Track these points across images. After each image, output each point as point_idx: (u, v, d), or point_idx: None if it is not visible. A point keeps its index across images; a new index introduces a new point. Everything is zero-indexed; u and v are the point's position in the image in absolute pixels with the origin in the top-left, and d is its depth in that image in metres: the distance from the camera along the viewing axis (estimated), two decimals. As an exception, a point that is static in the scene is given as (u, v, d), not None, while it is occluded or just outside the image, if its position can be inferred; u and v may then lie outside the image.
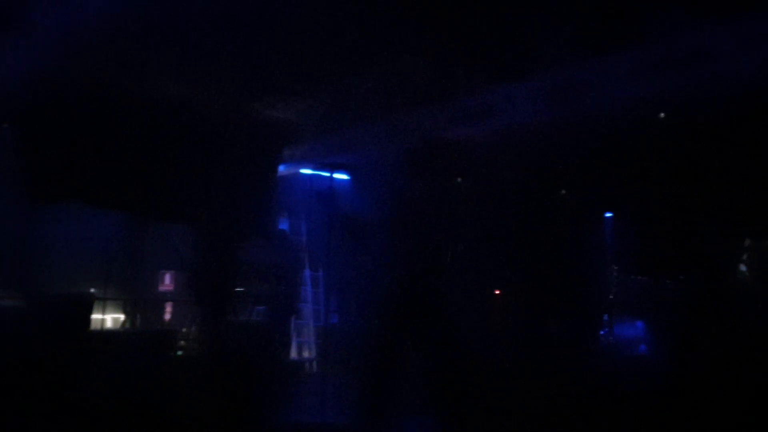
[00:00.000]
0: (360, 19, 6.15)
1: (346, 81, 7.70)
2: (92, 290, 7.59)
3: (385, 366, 3.57)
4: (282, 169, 9.17)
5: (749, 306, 6.27)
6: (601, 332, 7.08)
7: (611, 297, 6.95)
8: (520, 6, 6.05)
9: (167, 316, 9.04)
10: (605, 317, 7.09)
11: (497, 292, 7.82)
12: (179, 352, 7.29)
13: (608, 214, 7.63)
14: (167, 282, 9.27)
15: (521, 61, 6.62)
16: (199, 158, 7.81)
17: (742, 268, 6.41)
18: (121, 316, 8.34)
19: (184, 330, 7.86)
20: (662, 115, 6.65)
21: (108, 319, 8.26)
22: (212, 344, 6.98)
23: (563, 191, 7.54)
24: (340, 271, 7.90)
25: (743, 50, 5.03)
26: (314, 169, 9.21)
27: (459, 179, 7.45)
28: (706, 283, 6.25)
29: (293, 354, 8.27)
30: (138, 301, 8.43)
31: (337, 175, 9.01)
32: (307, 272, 9.01)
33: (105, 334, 7.51)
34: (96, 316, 7.36)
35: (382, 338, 3.66)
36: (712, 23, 5.16)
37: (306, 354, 8.51)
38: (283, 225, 9.10)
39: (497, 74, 6.92)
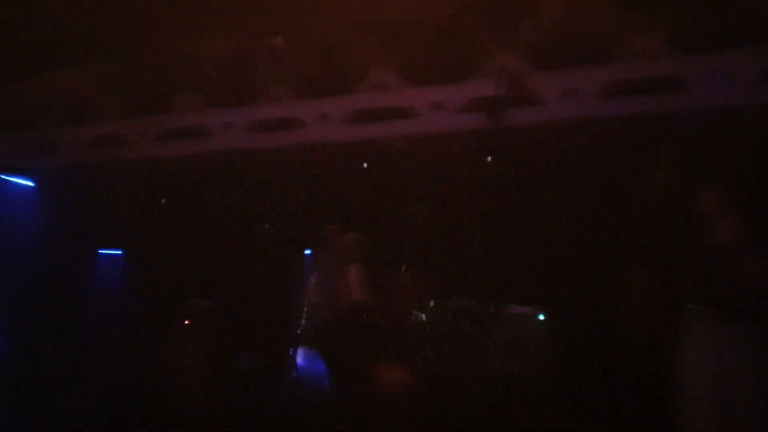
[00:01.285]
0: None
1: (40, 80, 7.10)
2: None
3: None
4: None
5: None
6: (287, 366, 7.18)
7: (298, 331, 7.10)
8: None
9: None
10: (290, 351, 7.22)
11: (187, 322, 7.59)
12: None
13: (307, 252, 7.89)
14: None
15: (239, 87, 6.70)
16: None
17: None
18: None
19: None
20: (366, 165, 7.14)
21: None
22: None
23: (265, 225, 7.65)
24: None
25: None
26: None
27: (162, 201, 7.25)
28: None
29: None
30: None
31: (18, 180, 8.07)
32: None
33: None
34: None
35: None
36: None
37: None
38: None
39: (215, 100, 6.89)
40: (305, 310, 7.19)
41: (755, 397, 3.50)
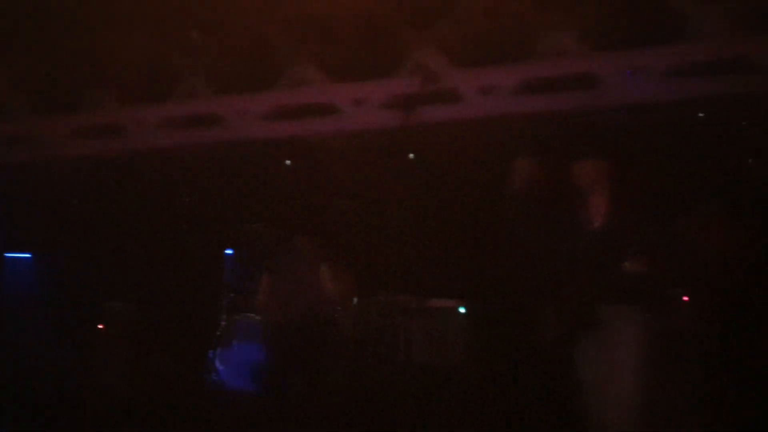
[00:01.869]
0: None
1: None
2: None
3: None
4: None
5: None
6: (206, 369, 7.01)
7: (218, 333, 6.94)
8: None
9: None
10: (210, 354, 7.04)
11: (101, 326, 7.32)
12: None
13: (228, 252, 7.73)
14: None
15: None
16: None
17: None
18: None
19: None
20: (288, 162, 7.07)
21: None
22: None
23: (184, 225, 7.46)
24: None
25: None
26: None
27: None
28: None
29: None
30: None
31: None
32: None
33: None
34: None
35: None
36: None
37: None
38: None
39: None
40: (225, 312, 7.07)
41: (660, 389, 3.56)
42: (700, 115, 5.67)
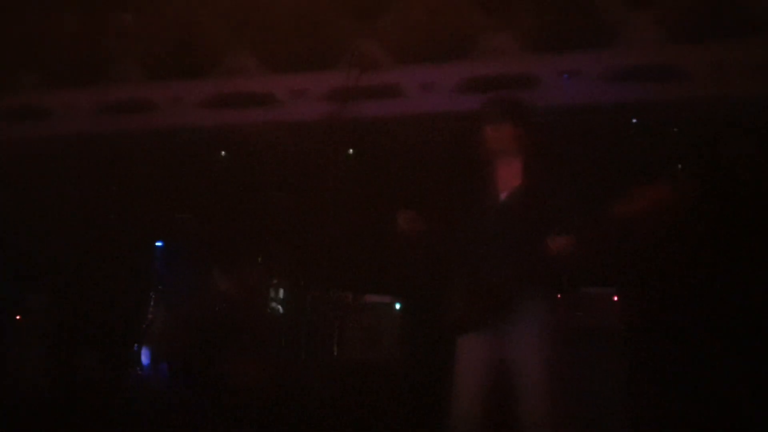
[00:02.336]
0: None
1: None
2: None
3: None
4: None
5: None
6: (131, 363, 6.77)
7: (144, 327, 6.71)
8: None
9: None
10: (135, 347, 6.80)
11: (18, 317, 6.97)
12: None
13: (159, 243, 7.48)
14: None
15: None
16: None
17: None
18: None
19: None
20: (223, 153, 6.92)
21: None
22: None
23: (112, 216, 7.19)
24: None
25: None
26: None
27: None
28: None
29: None
30: None
31: None
32: None
33: None
34: None
35: None
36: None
37: None
38: None
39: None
40: (152, 305, 6.85)
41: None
42: (634, 120, 5.82)
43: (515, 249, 3.02)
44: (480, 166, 3.30)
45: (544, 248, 2.95)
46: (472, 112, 5.57)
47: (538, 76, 5.49)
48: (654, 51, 5.28)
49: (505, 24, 5.58)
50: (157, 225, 6.81)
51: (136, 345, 6.62)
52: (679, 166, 5.70)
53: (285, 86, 5.95)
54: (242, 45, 6.05)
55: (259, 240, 6.33)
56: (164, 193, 6.55)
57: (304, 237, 6.32)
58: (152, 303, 6.66)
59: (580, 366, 4.23)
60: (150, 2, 6.04)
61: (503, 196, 3.21)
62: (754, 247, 4.92)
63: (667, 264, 5.03)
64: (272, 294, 6.57)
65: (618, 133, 5.69)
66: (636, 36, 5.33)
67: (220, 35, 6.06)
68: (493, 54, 5.64)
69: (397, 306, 5.89)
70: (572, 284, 3.96)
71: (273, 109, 5.98)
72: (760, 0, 5.10)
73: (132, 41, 6.20)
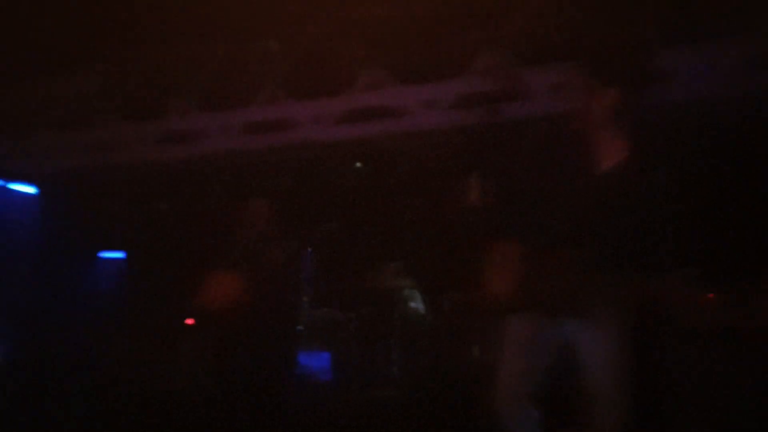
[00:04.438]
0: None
1: (40, 84, 7.23)
2: None
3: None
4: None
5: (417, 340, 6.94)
6: (289, 363, 7.27)
7: (300, 328, 7.20)
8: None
9: None
10: (292, 348, 7.30)
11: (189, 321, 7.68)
12: None
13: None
14: None
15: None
16: None
17: (412, 304, 7.10)
18: None
19: None
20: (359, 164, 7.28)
21: None
22: None
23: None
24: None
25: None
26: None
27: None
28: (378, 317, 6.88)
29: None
30: None
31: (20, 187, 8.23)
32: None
33: None
34: None
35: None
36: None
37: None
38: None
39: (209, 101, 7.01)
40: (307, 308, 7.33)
41: None
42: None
43: (608, 230, 2.73)
44: (577, 138, 3.00)
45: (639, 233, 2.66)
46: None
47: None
48: None
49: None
50: (302, 234, 7.28)
51: (295, 348, 7.11)
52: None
53: (415, 97, 6.15)
54: (374, 60, 6.31)
55: (397, 245, 6.64)
56: (308, 204, 6.99)
57: (440, 242, 6.55)
58: (307, 306, 7.14)
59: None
60: (288, 27, 6.44)
61: (602, 171, 2.89)
62: None
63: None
64: (412, 297, 6.86)
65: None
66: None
67: (354, 53, 6.35)
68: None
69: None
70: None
71: (404, 119, 6.21)
72: None
73: (274, 65, 6.64)
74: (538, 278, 2.84)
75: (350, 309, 7.22)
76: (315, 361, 7.26)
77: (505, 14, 5.74)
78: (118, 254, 8.61)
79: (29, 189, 8.38)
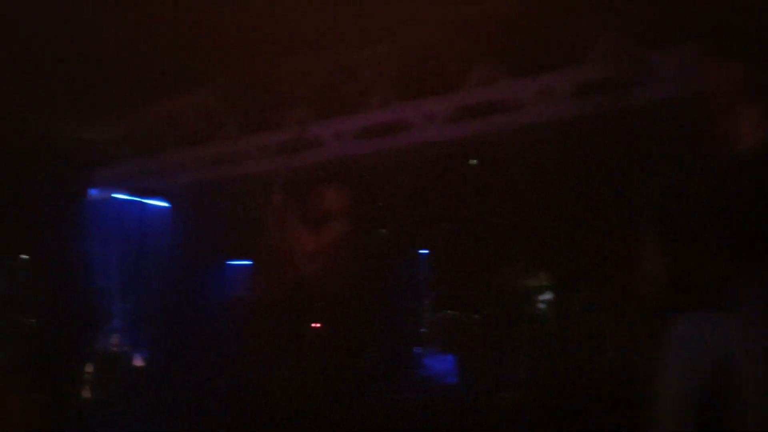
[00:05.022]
0: (175, 37, 6.13)
1: (166, 103, 7.59)
2: None
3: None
4: (93, 193, 8.69)
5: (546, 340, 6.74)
6: (413, 366, 7.29)
7: (423, 330, 7.20)
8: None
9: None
10: (416, 351, 7.31)
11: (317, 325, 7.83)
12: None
13: (423, 252, 7.97)
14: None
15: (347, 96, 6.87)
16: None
17: (540, 304, 6.90)
18: None
19: None
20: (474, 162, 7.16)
21: None
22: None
23: (383, 230, 7.79)
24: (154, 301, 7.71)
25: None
26: (130, 194, 8.85)
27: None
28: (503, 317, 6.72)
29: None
30: None
31: (154, 202, 8.73)
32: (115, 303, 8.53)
33: None
34: None
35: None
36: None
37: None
38: (91, 252, 8.56)
39: (324, 108, 7.11)
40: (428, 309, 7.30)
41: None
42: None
43: (746, 218, 2.49)
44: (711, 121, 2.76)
45: None
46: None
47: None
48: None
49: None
50: (421, 234, 7.27)
51: (416, 347, 7.12)
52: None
53: (528, 89, 5.96)
54: (486, 55, 6.17)
55: (520, 244, 6.46)
56: (424, 205, 6.95)
57: (566, 239, 6.31)
58: (428, 308, 7.13)
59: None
60: (397, 29, 6.41)
61: (738, 152, 2.66)
62: None
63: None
64: (539, 295, 6.67)
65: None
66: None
67: (465, 49, 6.23)
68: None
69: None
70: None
71: (518, 113, 6.02)
72: None
73: (385, 68, 6.63)
74: (683, 273, 2.65)
75: (474, 311, 7.12)
76: (440, 363, 7.22)
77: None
78: (245, 262, 8.94)
79: (162, 203, 8.87)
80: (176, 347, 7.60)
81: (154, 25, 5.92)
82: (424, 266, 7.74)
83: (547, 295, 6.67)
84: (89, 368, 7.25)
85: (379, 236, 7.65)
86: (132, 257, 8.55)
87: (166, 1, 5.63)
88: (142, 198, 8.60)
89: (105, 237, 8.81)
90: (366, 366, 7.07)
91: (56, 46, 6.04)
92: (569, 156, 5.99)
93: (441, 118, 6.43)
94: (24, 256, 8.10)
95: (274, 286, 8.21)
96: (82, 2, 5.57)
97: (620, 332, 5.69)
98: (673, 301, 2.71)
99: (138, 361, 7.87)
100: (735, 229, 2.52)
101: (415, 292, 7.55)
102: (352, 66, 6.79)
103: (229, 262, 9.00)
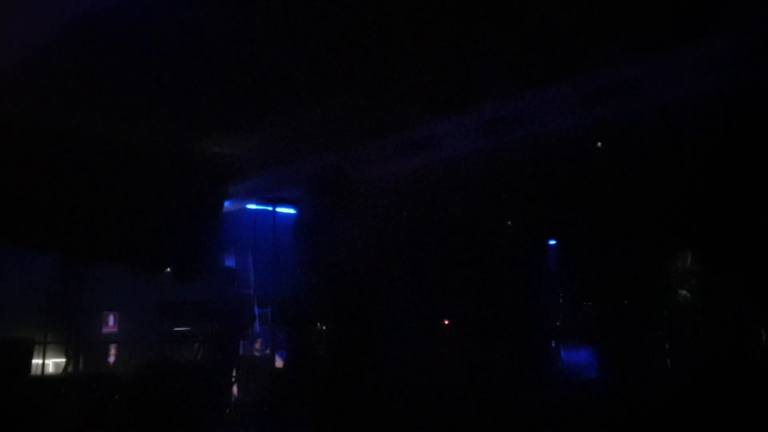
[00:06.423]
0: (304, 53, 6.24)
1: (292, 115, 7.79)
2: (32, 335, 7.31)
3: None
4: (227, 204, 9.11)
5: (691, 330, 6.40)
6: (550, 359, 7.13)
7: (558, 324, 7.02)
8: (461, 40, 6.20)
9: (112, 359, 8.80)
10: (552, 344, 7.14)
11: (446, 321, 7.84)
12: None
13: (552, 242, 7.76)
14: (111, 323, 9.03)
15: (462, 93, 6.77)
16: (143, 196, 7.73)
17: (683, 292, 6.55)
18: (63, 360, 8.07)
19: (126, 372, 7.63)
20: (599, 144, 6.87)
21: (50, 363, 8.00)
22: (150, 385, 6.78)
23: (508, 222, 7.66)
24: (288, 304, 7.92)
25: (669, 80, 5.27)
26: (261, 204, 9.20)
27: (404, 213, 7.58)
28: (642, 308, 6.41)
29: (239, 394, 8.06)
30: (80, 344, 8.18)
31: (284, 210, 9.03)
32: (255, 309, 8.88)
33: (46, 379, 7.23)
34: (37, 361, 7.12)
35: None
36: (639, 56, 5.42)
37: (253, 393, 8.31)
38: (230, 262, 9.00)
39: (440, 107, 7.07)
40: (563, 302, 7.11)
41: None
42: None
43: None
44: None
45: None
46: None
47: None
48: None
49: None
50: (548, 224, 7.07)
51: (553, 341, 6.96)
52: None
53: (654, 70, 5.65)
54: (604, 34, 5.90)
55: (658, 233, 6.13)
56: (552, 194, 6.75)
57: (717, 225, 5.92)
58: (563, 300, 6.95)
59: None
60: (510, 14, 6.26)
61: None
62: None
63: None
64: (682, 283, 6.33)
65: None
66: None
67: (585, 30, 5.99)
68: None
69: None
70: None
71: (642, 93, 5.73)
72: None
73: (502, 58, 6.49)
74: None
75: (603, 302, 6.86)
76: (578, 356, 7.03)
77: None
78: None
79: (290, 210, 9.16)
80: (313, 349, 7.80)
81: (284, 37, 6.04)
82: (554, 257, 7.54)
83: (692, 282, 6.30)
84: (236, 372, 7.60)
85: (505, 229, 7.52)
86: (267, 264, 8.87)
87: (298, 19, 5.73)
88: (274, 207, 8.90)
89: (242, 246, 9.24)
90: (503, 362, 6.99)
91: (198, 65, 6.27)
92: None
93: (564, 105, 6.23)
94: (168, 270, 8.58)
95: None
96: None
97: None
98: None
99: (279, 364, 8.16)
100: None
101: (548, 283, 7.36)
102: (468, 60, 6.70)
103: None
